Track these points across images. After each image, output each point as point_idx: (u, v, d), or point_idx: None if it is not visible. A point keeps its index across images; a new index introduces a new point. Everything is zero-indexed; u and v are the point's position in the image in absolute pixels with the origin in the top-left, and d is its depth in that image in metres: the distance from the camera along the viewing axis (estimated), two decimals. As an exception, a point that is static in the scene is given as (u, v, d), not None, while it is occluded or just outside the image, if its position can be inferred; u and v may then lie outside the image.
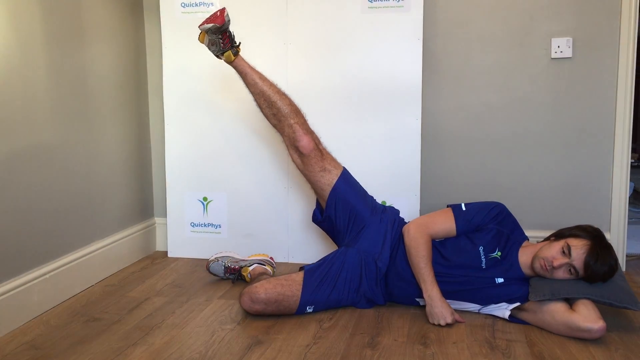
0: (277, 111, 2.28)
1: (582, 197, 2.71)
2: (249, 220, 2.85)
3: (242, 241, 2.85)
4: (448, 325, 2.03)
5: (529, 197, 2.75)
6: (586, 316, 1.88)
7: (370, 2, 2.63)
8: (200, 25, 2.18)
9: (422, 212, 2.68)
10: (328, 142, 2.69)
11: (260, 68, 2.72)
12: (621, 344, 1.88)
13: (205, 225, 2.90)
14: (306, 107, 2.70)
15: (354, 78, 2.68)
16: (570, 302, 1.97)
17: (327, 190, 2.28)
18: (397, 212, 2.41)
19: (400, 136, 2.66)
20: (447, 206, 2.24)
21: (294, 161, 2.34)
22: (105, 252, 2.61)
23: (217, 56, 2.27)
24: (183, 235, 2.93)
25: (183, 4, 2.78)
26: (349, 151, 2.70)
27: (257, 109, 2.74)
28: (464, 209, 2.19)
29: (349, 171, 2.36)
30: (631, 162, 2.70)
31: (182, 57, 2.81)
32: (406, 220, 2.35)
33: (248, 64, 2.30)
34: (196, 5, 2.77)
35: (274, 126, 2.34)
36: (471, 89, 2.75)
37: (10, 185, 2.03)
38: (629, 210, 2.73)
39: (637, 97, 2.68)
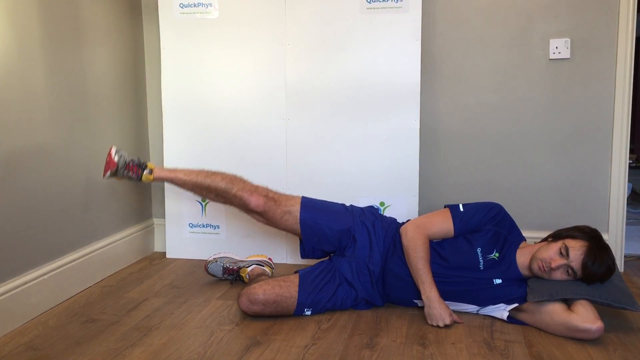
0: (217, 191, 2.28)
1: (580, 198, 2.72)
2: (248, 221, 2.84)
3: (240, 242, 2.85)
4: (446, 326, 2.03)
5: (527, 197, 2.75)
6: (584, 317, 1.88)
7: (369, 2, 2.63)
8: (103, 177, 2.23)
9: (421, 212, 2.68)
10: (326, 142, 2.71)
11: (258, 69, 2.74)
12: (619, 344, 1.89)
13: (203, 226, 2.90)
14: (305, 108, 2.72)
15: (352, 79, 2.68)
16: (568, 302, 1.97)
17: (297, 227, 2.27)
18: (376, 209, 2.39)
19: (399, 136, 2.66)
20: (445, 206, 2.24)
21: (258, 221, 2.35)
22: (104, 253, 2.61)
23: (139, 182, 2.29)
24: (181, 236, 2.92)
25: (181, 5, 2.78)
26: (348, 152, 2.70)
27: (258, 110, 2.76)
28: (461, 209, 2.19)
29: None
30: (629, 163, 2.70)
31: (180, 57, 2.81)
32: (402, 220, 2.35)
33: (167, 170, 2.31)
34: (195, 5, 2.77)
35: (225, 204, 2.37)
36: (469, 89, 2.75)
37: (8, 185, 2.03)
38: (627, 210, 2.74)
39: (635, 97, 2.68)
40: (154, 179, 2.29)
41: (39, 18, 2.18)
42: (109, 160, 2.18)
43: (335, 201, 2.40)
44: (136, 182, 2.29)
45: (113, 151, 2.20)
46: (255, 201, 2.22)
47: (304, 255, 2.34)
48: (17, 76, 2.07)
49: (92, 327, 2.05)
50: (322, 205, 2.33)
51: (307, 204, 2.30)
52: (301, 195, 2.33)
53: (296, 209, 2.26)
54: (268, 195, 2.27)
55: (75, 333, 2.00)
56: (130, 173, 2.21)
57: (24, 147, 2.11)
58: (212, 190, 2.27)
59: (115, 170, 2.18)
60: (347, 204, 2.39)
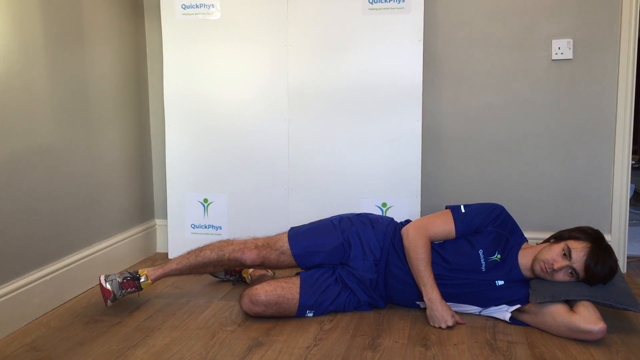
0: (212, 263, 2.27)
1: (583, 199, 2.71)
2: (250, 221, 2.85)
3: (242, 243, 2.85)
4: (449, 327, 2.02)
5: (529, 198, 2.75)
6: (587, 318, 1.88)
7: (371, 3, 2.63)
8: (106, 305, 2.21)
9: (423, 213, 2.68)
10: (328, 143, 2.71)
11: (261, 70, 2.74)
12: (622, 345, 1.88)
13: (205, 227, 2.90)
14: (307, 109, 2.72)
15: (354, 80, 2.68)
16: (570, 304, 1.97)
17: (293, 261, 2.26)
18: (366, 216, 2.34)
19: (401, 137, 2.66)
20: (446, 207, 2.24)
21: (261, 269, 2.43)
22: (106, 254, 2.61)
23: (142, 290, 2.28)
24: (184, 236, 2.92)
25: (184, 6, 2.78)
26: (350, 153, 2.70)
27: (260, 111, 2.76)
28: (463, 210, 2.18)
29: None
30: (632, 164, 2.70)
31: (182, 58, 2.81)
32: (403, 220, 2.34)
33: (161, 268, 2.29)
34: (197, 7, 2.77)
35: (227, 271, 2.49)
36: (472, 90, 2.75)
37: (11, 187, 2.04)
38: (630, 211, 2.73)
39: (637, 98, 2.67)
40: (154, 282, 2.30)
41: (42, 19, 2.18)
42: (102, 290, 2.19)
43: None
44: (138, 295, 2.32)
45: (102, 280, 2.19)
46: (249, 257, 2.22)
47: None
48: (20, 77, 2.07)
49: (95, 328, 2.05)
50: (309, 230, 2.30)
51: (294, 235, 2.27)
52: (287, 230, 2.31)
53: (287, 247, 2.24)
54: (257, 245, 2.25)
55: (78, 334, 2.00)
56: (129, 289, 2.22)
57: (26, 148, 2.11)
58: (208, 264, 2.27)
59: (114, 296, 2.19)
60: (337, 217, 2.35)
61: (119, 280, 2.20)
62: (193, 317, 2.15)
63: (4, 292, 2.00)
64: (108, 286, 2.18)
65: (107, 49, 2.63)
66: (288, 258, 2.24)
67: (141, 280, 2.24)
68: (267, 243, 2.26)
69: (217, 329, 2.04)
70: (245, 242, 2.27)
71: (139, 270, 2.27)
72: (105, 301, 2.18)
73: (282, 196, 2.80)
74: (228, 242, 2.28)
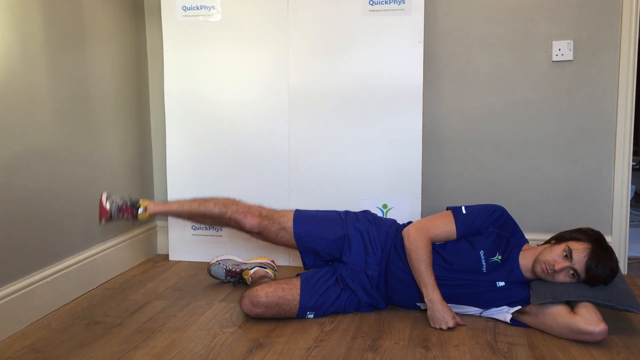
0: (212, 217, 2.29)
1: (583, 200, 2.71)
2: (250, 223, 2.85)
3: (243, 244, 2.85)
4: (450, 328, 2.02)
5: (530, 199, 2.75)
6: (588, 319, 1.88)
7: (371, 5, 2.63)
8: (99, 224, 2.24)
9: (424, 214, 2.68)
10: (329, 144, 2.71)
11: (261, 71, 2.74)
12: (623, 347, 1.88)
13: (206, 229, 2.90)
14: (308, 110, 2.72)
15: (355, 81, 2.68)
16: (571, 305, 1.97)
17: (293, 242, 2.27)
18: (371, 214, 2.36)
19: (402, 139, 2.66)
20: (447, 208, 2.24)
21: (256, 239, 2.38)
22: (107, 256, 2.61)
23: (135, 221, 2.31)
24: (184, 238, 2.93)
25: (184, 7, 2.79)
26: (350, 154, 2.70)
27: (261, 112, 2.76)
28: (464, 212, 2.18)
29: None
30: (633, 165, 2.70)
31: (183, 60, 2.81)
32: (404, 222, 2.35)
33: (161, 204, 2.31)
34: (197, 8, 2.78)
35: (223, 227, 2.42)
36: (472, 92, 2.75)
37: (11, 188, 2.04)
38: (631, 213, 2.73)
39: (638, 99, 2.67)
40: (150, 216, 2.29)
41: (43, 21, 2.19)
42: (101, 208, 2.18)
43: (335, 206, 2.41)
44: (133, 222, 2.28)
45: (104, 198, 2.19)
46: (249, 222, 2.23)
47: (306, 266, 2.34)
48: (20, 79, 2.08)
49: (96, 330, 2.05)
50: (315, 217, 2.32)
51: (300, 217, 2.28)
52: (294, 209, 2.32)
53: (289, 224, 2.25)
54: (262, 214, 2.27)
55: (79, 335, 2.00)
56: (125, 215, 2.22)
57: (27, 150, 2.12)
58: (208, 216, 2.28)
59: (110, 217, 2.18)
60: (343, 211, 2.36)
61: (119, 203, 2.19)
62: (194, 319, 2.15)
63: (4, 293, 2.00)
64: (107, 206, 2.16)
65: (108, 51, 2.64)
66: (287, 235, 2.24)
67: (139, 211, 2.22)
68: (272, 215, 2.27)
69: (218, 331, 2.04)
70: (250, 207, 2.28)
71: (140, 201, 2.26)
72: (100, 219, 2.15)
73: (282, 197, 2.80)
74: (234, 202, 2.29)
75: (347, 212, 2.34)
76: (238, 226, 2.26)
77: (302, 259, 2.33)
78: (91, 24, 2.50)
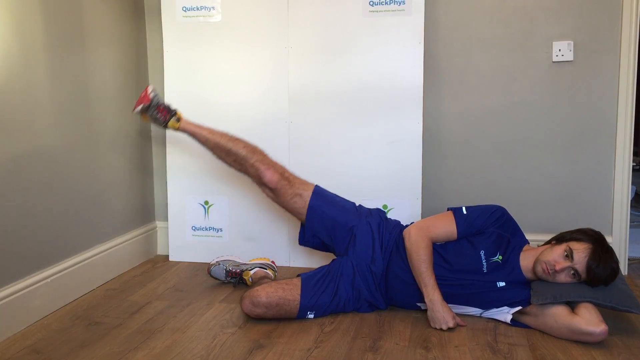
0: (236, 156, 2.33)
1: (584, 201, 2.71)
2: (250, 224, 2.85)
3: (243, 245, 2.85)
4: (450, 329, 2.02)
5: (531, 200, 2.75)
6: (588, 319, 1.88)
7: (371, 5, 2.63)
8: (134, 110, 2.30)
9: (424, 215, 2.68)
10: (329, 145, 2.71)
11: (261, 72, 2.74)
12: (623, 347, 1.88)
13: (206, 229, 2.90)
14: (308, 111, 2.72)
15: (355, 82, 2.68)
16: (572, 305, 1.97)
17: (304, 212, 2.30)
18: (384, 212, 2.41)
19: (402, 139, 2.66)
20: (448, 209, 2.24)
21: (267, 196, 2.38)
22: (107, 256, 2.61)
23: (164, 128, 2.37)
24: (184, 239, 2.93)
25: (184, 8, 2.79)
26: (351, 155, 2.70)
27: (261, 113, 2.76)
28: (464, 212, 2.19)
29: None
30: (633, 166, 2.70)
31: (183, 60, 2.81)
32: (404, 223, 2.35)
33: (194, 124, 2.37)
34: (197, 9, 2.78)
35: (239, 171, 2.39)
36: (472, 92, 2.75)
37: (12, 188, 2.04)
38: (631, 213, 2.73)
39: (638, 100, 2.67)
40: (179, 129, 2.33)
41: (43, 22, 2.19)
42: (143, 96, 2.22)
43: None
44: (161, 126, 2.34)
45: (150, 88, 2.25)
46: (270, 176, 2.26)
47: (302, 241, 2.37)
48: (20, 79, 2.08)
49: (95, 330, 2.05)
50: (333, 198, 2.37)
51: (320, 192, 2.34)
52: (315, 184, 2.36)
53: (308, 194, 2.30)
54: (284, 174, 2.31)
55: (79, 336, 2.00)
56: (159, 115, 2.26)
57: (27, 150, 2.12)
58: (232, 154, 2.31)
59: (148, 107, 2.22)
60: (357, 204, 2.40)
61: (160, 101, 2.27)
62: (194, 320, 2.15)
63: (4, 294, 2.00)
64: (151, 95, 2.23)
65: (108, 51, 2.64)
66: (301, 204, 2.28)
67: (172, 119, 2.28)
68: (292, 179, 2.32)
69: (218, 332, 2.04)
70: (275, 164, 2.33)
71: (178, 112, 2.31)
72: (137, 105, 2.21)
73: (282, 198, 2.80)
74: (261, 152, 2.34)
75: (360, 206, 2.39)
76: (257, 175, 2.29)
77: (300, 232, 2.37)
78: (91, 24, 2.50)
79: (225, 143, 2.33)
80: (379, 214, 2.36)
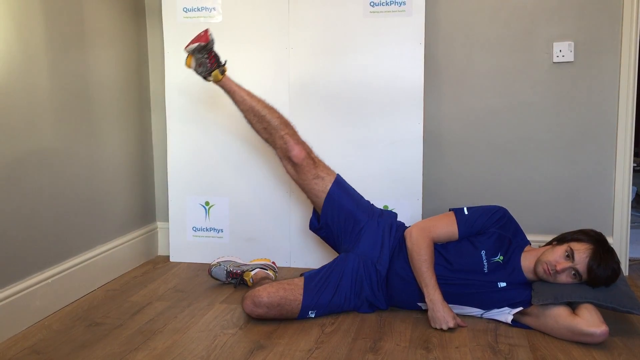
0: (267, 125, 2.32)
1: (585, 201, 2.71)
2: (251, 224, 2.85)
3: (244, 245, 2.85)
4: (450, 329, 2.02)
5: (531, 201, 2.75)
6: (589, 320, 1.88)
7: (372, 6, 2.63)
8: (186, 47, 2.27)
9: (425, 216, 2.68)
10: (330, 146, 2.71)
11: (262, 72, 2.74)
12: (624, 348, 1.88)
13: (207, 230, 2.90)
14: (308, 111, 2.72)
15: (355, 82, 2.68)
16: (573, 306, 1.97)
17: (322, 197, 2.31)
18: (395, 215, 2.42)
19: (403, 140, 2.66)
20: (449, 210, 2.24)
21: (288, 172, 2.37)
22: (107, 257, 2.61)
23: (205, 77, 2.34)
24: (185, 239, 2.92)
25: (185, 9, 2.79)
26: (351, 155, 2.70)
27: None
28: (466, 212, 2.19)
29: (344, 178, 2.39)
30: (634, 166, 2.70)
31: (184, 61, 2.81)
32: (407, 224, 2.35)
33: (235, 82, 2.36)
34: (198, 10, 2.78)
35: (266, 140, 2.38)
36: (473, 93, 2.75)
37: (12, 189, 2.04)
38: (632, 214, 2.73)
39: (639, 100, 2.67)
40: (220, 82, 2.32)
41: (43, 22, 2.19)
42: (202, 35, 2.20)
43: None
44: (203, 74, 2.31)
45: (210, 31, 2.24)
46: (297, 151, 2.27)
47: (313, 226, 2.39)
48: (21, 80, 2.08)
49: (96, 331, 2.05)
50: (352, 191, 2.39)
51: (341, 182, 2.36)
52: (337, 173, 2.38)
53: (329, 179, 2.32)
54: (310, 154, 2.33)
55: (79, 337, 2.00)
56: (208, 61, 2.24)
57: (28, 151, 2.12)
58: (264, 121, 2.31)
59: (203, 47, 2.21)
60: (371, 203, 2.43)
61: (215, 49, 2.28)
62: (194, 320, 2.15)
63: (5, 295, 2.00)
64: (211, 37, 2.23)
65: (109, 52, 2.64)
66: (321, 187, 2.30)
67: (217, 70, 2.28)
68: (317, 162, 2.34)
69: (219, 332, 2.04)
70: (304, 143, 2.34)
71: (225, 66, 2.32)
72: (192, 42, 2.21)
73: (283, 199, 2.80)
74: (292, 128, 2.34)
75: (373, 204, 2.41)
76: (284, 148, 2.29)
77: (313, 219, 2.39)
78: (92, 25, 2.50)
79: (260, 109, 2.32)
80: (390, 215, 2.38)
